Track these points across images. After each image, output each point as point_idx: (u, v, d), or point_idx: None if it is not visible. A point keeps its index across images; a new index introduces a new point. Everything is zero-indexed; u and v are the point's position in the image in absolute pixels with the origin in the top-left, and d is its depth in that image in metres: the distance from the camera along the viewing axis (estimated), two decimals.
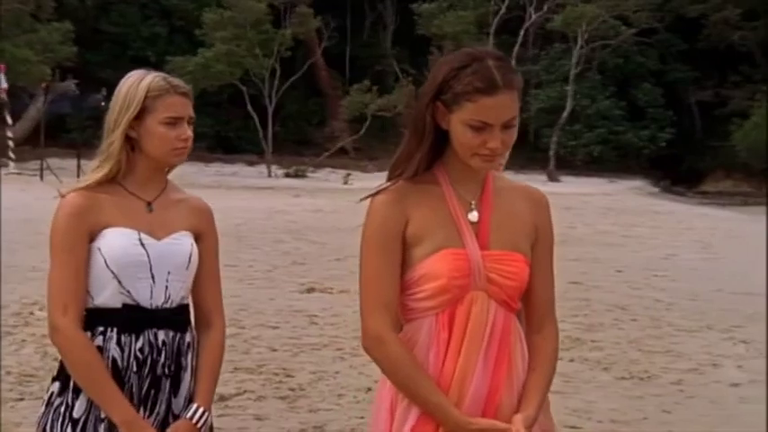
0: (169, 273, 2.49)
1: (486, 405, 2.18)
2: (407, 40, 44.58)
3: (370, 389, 6.03)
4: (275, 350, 7.38)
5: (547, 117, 41.76)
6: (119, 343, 2.44)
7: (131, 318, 2.45)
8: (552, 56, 43.56)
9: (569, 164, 41.40)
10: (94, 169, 2.52)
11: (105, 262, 2.44)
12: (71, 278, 2.42)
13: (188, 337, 2.54)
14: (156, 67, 2.67)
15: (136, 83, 2.51)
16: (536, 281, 2.27)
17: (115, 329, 2.45)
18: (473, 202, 2.24)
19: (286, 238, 15.22)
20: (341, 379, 6.51)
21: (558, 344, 2.32)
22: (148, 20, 42.26)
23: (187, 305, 2.57)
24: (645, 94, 43.41)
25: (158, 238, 2.50)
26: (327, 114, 43.84)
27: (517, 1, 41.89)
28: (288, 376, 6.58)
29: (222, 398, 5.75)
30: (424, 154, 2.21)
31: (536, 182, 23.39)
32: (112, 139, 2.48)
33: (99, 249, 2.45)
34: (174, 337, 2.50)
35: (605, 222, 20.21)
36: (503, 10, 41.27)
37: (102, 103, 23.24)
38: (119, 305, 2.46)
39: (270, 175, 36.69)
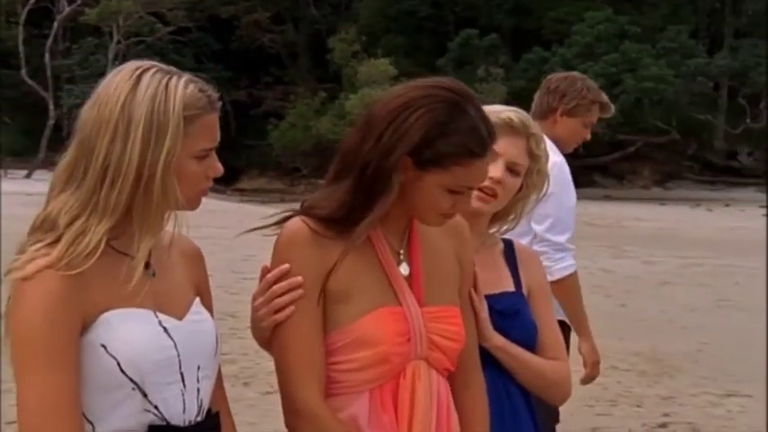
0: (199, 368, 1.68)
1: None
2: None
3: None
4: None
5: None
6: None
7: None
8: (85, 50, 42.01)
9: None
10: (73, 228, 1.55)
11: (119, 366, 1.56)
12: (64, 404, 1.51)
13: None
14: None
15: (162, 93, 1.56)
16: None
17: None
18: (402, 251, 1.90)
19: None
20: None
21: (486, 399, 1.98)
22: None
23: (217, 412, 1.76)
24: None
25: (178, 317, 1.67)
26: None
27: None
28: None
29: None
30: (370, 209, 1.80)
31: None
32: (121, 186, 1.56)
33: (104, 347, 1.56)
34: None
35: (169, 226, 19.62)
36: None
37: None
38: (142, 429, 1.61)
39: None
